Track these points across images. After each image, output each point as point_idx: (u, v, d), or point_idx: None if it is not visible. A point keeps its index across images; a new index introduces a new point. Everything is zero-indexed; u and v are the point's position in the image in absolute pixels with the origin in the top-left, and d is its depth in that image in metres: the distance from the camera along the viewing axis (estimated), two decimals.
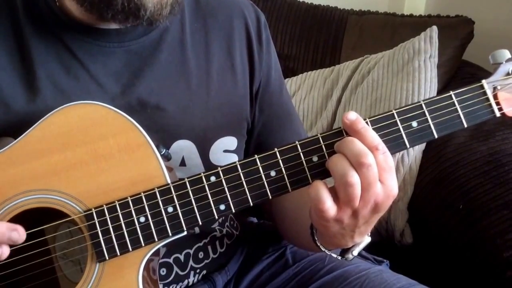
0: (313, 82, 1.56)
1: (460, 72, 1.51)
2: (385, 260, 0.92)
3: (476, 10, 1.58)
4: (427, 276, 0.95)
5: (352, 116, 0.63)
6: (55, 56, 0.75)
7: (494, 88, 0.66)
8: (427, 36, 1.38)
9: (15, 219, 0.66)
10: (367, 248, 0.73)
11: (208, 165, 0.81)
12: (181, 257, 0.83)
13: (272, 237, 0.96)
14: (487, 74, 1.54)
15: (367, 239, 0.71)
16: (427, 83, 1.32)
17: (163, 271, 0.81)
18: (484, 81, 0.67)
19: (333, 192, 0.63)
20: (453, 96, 0.66)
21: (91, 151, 0.66)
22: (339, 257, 0.73)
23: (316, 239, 0.72)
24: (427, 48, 1.36)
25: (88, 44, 0.76)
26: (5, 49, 0.74)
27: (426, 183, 1.25)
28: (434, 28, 1.39)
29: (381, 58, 1.46)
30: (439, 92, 1.37)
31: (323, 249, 0.72)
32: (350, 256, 0.72)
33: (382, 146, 0.62)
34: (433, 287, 0.82)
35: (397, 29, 1.59)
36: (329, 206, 0.62)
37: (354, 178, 0.60)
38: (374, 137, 0.62)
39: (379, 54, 1.48)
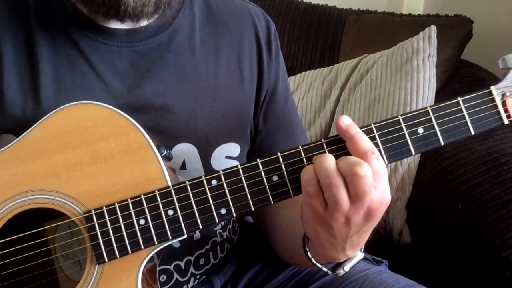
0: (311, 81, 1.55)
1: (459, 71, 1.51)
2: (384, 261, 0.92)
3: (475, 10, 1.57)
4: (425, 275, 0.96)
5: (347, 120, 0.63)
6: (62, 53, 0.75)
7: (503, 95, 0.65)
8: (426, 36, 1.38)
9: (14, 220, 0.66)
10: (366, 248, 0.72)
11: (209, 170, 0.81)
12: (182, 264, 0.82)
13: None
14: (487, 74, 1.54)
15: (360, 255, 0.70)
16: (425, 83, 1.32)
17: (163, 278, 0.80)
18: (493, 88, 0.65)
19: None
20: (460, 102, 0.64)
21: (92, 151, 0.66)
22: (330, 272, 0.70)
23: (308, 250, 0.70)
24: (425, 48, 1.36)
25: (96, 42, 0.76)
26: (14, 43, 0.74)
27: (425, 182, 1.26)
28: (433, 27, 1.39)
29: (379, 58, 1.46)
30: (438, 92, 1.37)
31: (314, 262, 0.70)
32: (341, 271, 0.70)
33: (376, 151, 0.62)
34: (432, 287, 0.82)
35: (396, 28, 1.59)
36: (318, 191, 0.61)
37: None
38: (368, 141, 0.62)
39: (378, 54, 1.48)
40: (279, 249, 0.88)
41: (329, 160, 0.61)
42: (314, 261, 0.70)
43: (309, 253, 0.70)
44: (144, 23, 0.77)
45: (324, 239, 0.65)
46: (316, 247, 0.68)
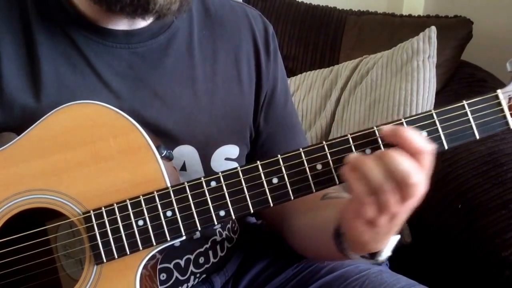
0: (312, 82, 1.56)
1: (459, 72, 1.51)
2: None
3: (474, 11, 1.58)
4: (425, 275, 0.95)
5: (388, 127, 0.61)
6: (62, 52, 0.75)
7: (510, 99, 0.63)
8: (426, 37, 1.38)
9: (14, 219, 0.66)
10: None
11: (209, 172, 0.81)
12: (182, 262, 0.82)
13: (271, 238, 0.96)
14: (486, 75, 1.55)
15: (395, 237, 0.67)
16: (425, 83, 1.33)
17: (163, 276, 0.80)
18: (499, 91, 0.63)
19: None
20: (466, 106, 0.63)
21: (92, 151, 0.66)
22: (371, 262, 0.69)
23: (345, 248, 0.68)
24: (425, 49, 1.36)
25: (95, 42, 0.76)
26: (13, 43, 0.74)
27: None
28: (433, 28, 1.39)
29: (380, 58, 1.46)
30: (438, 92, 1.38)
31: (353, 258, 0.68)
32: (381, 258, 0.68)
33: (431, 146, 0.60)
34: (432, 287, 0.82)
35: (396, 29, 1.59)
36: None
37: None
38: (422, 140, 0.60)
39: (378, 54, 1.48)
40: (301, 249, 0.87)
41: (380, 166, 0.59)
42: (353, 257, 0.69)
43: (347, 251, 0.68)
44: (142, 24, 0.77)
45: (367, 237, 0.64)
46: (357, 244, 0.67)
